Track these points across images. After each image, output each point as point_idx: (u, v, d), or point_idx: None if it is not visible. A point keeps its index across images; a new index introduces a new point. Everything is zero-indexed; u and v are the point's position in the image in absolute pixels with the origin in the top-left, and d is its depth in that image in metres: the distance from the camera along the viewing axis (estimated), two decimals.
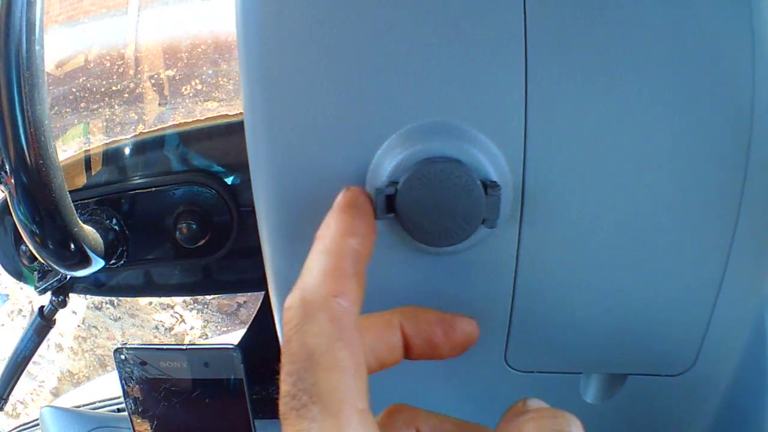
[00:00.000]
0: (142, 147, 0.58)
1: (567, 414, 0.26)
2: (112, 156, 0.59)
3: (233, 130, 0.55)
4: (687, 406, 0.37)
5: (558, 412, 0.26)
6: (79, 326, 2.58)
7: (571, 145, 0.30)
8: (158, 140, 0.57)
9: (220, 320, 2.61)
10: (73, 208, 0.45)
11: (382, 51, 0.29)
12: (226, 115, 0.56)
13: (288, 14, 0.29)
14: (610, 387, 0.38)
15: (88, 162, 0.59)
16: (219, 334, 2.60)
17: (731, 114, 0.29)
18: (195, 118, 0.57)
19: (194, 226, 0.55)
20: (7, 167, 0.43)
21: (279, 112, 0.31)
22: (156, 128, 0.58)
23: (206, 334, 2.58)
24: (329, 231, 0.27)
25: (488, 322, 0.35)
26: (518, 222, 0.32)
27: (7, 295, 2.67)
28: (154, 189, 0.56)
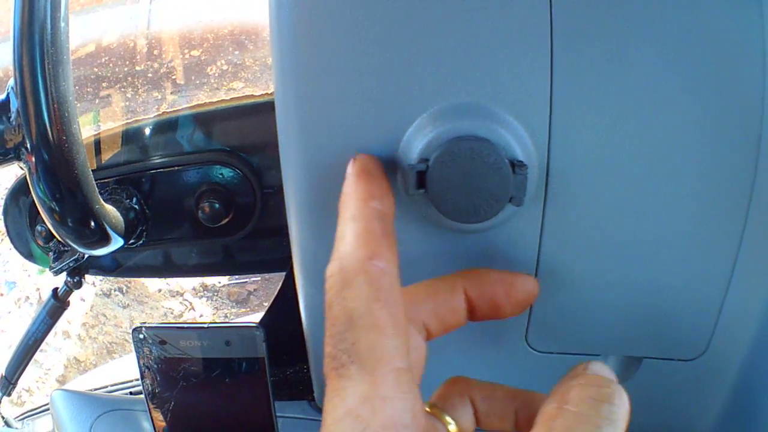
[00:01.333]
0: (166, 126, 0.58)
1: (615, 385, 0.25)
2: (134, 135, 0.59)
3: (258, 110, 0.55)
4: (700, 390, 0.38)
5: (604, 381, 0.26)
6: (86, 313, 2.59)
7: (593, 127, 0.30)
8: (182, 120, 0.57)
9: (229, 308, 2.62)
10: (95, 185, 0.45)
11: (412, 32, 0.30)
12: (251, 96, 0.56)
13: None
14: (626, 370, 0.39)
15: (108, 141, 0.60)
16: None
17: (743, 100, 0.30)
18: (219, 99, 0.57)
19: (217, 205, 0.55)
20: (28, 144, 0.43)
21: (310, 91, 0.31)
22: (180, 108, 0.58)
23: (215, 322, 2.58)
24: (350, 198, 0.28)
25: None
26: (542, 202, 0.32)
27: (15, 282, 2.68)
28: (177, 168, 0.56)
